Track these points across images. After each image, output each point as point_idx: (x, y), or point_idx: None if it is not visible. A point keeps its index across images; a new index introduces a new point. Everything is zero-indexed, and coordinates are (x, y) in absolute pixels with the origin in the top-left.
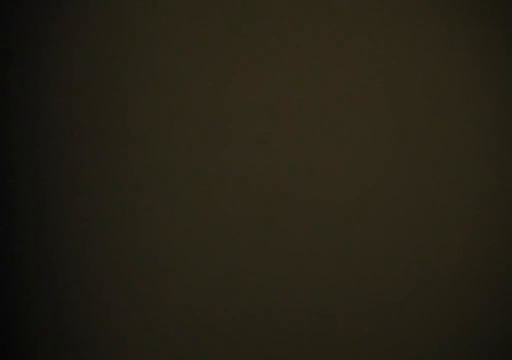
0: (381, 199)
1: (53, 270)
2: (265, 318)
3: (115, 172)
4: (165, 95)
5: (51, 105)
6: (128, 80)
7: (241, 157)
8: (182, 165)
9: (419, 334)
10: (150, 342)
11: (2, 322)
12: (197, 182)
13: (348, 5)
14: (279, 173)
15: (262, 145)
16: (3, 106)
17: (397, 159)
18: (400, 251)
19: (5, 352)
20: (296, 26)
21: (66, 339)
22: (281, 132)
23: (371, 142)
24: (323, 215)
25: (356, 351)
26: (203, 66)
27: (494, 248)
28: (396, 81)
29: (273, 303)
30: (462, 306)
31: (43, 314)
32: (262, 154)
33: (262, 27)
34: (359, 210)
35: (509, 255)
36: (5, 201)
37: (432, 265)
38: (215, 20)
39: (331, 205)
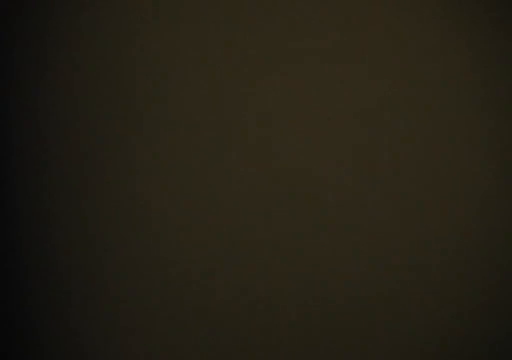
0: (381, 198)
1: (53, 269)
2: (266, 318)
3: (115, 172)
4: (166, 95)
5: (51, 105)
6: (128, 80)
7: (241, 158)
8: (183, 165)
9: (419, 333)
10: (150, 342)
11: (2, 322)
12: (197, 182)
13: (349, 6)
14: (279, 174)
15: (262, 146)
16: (3, 106)
17: (396, 159)
18: (400, 251)
19: (5, 352)
20: (295, 29)
21: (65, 339)
22: (280, 135)
23: (371, 142)
24: (323, 215)
25: (355, 350)
26: (204, 67)
27: (494, 248)
28: (396, 81)
29: (273, 303)
30: (462, 306)
31: (43, 314)
32: (262, 157)
33: (262, 30)
34: (360, 210)
35: (509, 255)
36: (5, 201)
37: (432, 265)
38: (216, 25)
39: (332, 204)
